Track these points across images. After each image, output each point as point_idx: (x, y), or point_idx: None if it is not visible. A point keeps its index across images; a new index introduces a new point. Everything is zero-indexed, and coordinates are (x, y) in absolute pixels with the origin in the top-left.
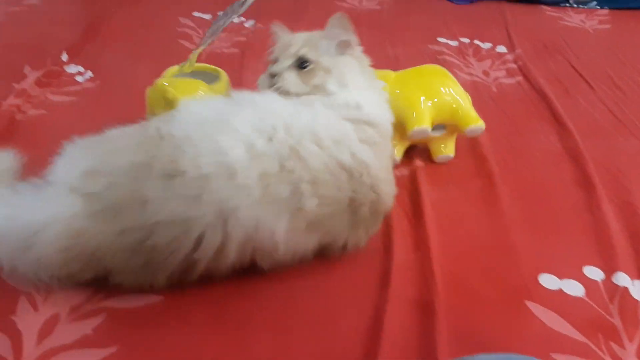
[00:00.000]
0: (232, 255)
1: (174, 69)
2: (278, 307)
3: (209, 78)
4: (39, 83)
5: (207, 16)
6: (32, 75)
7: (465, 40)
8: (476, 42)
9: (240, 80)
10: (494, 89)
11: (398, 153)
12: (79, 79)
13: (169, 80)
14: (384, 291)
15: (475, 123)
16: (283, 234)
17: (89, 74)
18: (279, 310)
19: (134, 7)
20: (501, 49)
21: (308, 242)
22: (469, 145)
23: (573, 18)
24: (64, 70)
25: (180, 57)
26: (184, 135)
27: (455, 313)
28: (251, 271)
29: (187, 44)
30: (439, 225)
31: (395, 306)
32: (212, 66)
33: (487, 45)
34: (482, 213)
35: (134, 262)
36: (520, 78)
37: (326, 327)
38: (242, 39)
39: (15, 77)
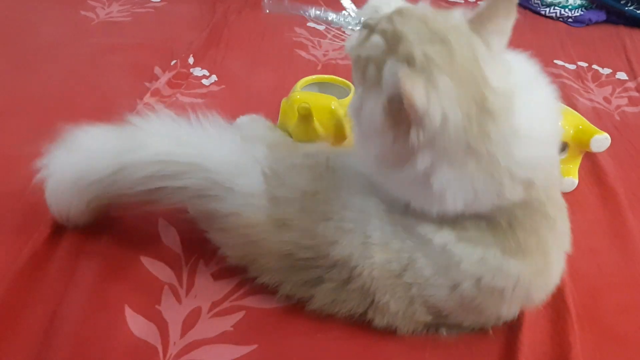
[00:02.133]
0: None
1: (305, 79)
2: None
3: (338, 91)
4: (170, 84)
5: (320, 27)
6: (163, 77)
7: (583, 64)
8: (595, 66)
9: None
10: (617, 117)
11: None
12: (205, 82)
13: (301, 93)
14: (517, 323)
15: (600, 133)
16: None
17: (214, 77)
18: None
19: (251, 15)
20: (622, 75)
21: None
22: (593, 173)
23: None
24: (191, 73)
25: (296, 66)
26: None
27: (592, 352)
28: None
29: (303, 53)
30: (569, 258)
31: (529, 339)
32: (341, 79)
33: (606, 71)
34: (614, 247)
35: (293, 276)
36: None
37: None
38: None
39: (147, 77)
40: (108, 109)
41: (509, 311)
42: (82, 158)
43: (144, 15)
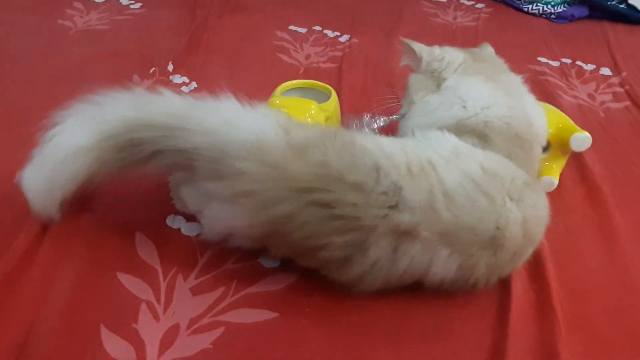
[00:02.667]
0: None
1: (286, 84)
2: (395, 322)
3: (319, 96)
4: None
5: (302, 30)
6: (142, 85)
7: (567, 60)
8: (579, 63)
9: (340, 95)
10: (602, 114)
11: (555, 175)
12: (184, 89)
13: (281, 98)
14: (503, 328)
15: (580, 132)
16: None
17: (194, 84)
18: (396, 324)
19: (232, 19)
20: (605, 71)
21: (449, 266)
22: (579, 172)
23: None
24: (171, 81)
25: (278, 70)
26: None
27: (581, 357)
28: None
29: (284, 57)
30: (556, 259)
31: (515, 346)
32: (321, 83)
33: (590, 67)
34: (601, 248)
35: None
36: (628, 103)
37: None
38: (338, 53)
39: (126, 86)
40: None
41: (508, 216)
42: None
43: (123, 23)
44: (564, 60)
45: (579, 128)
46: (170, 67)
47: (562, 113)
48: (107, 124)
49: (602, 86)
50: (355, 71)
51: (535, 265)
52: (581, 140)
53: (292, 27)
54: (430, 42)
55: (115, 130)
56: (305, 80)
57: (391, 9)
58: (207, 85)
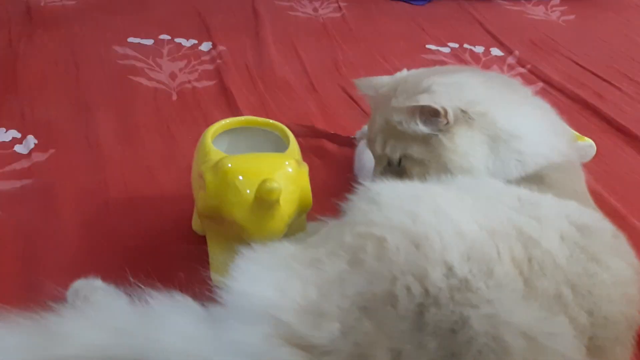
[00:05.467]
0: None
1: (215, 128)
2: None
3: (266, 139)
4: None
5: (147, 41)
6: None
7: (454, 45)
8: (466, 45)
9: None
10: None
11: None
12: (19, 149)
13: (233, 160)
14: None
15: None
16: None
17: (32, 140)
18: None
19: (48, 36)
20: (496, 51)
21: None
22: None
23: (535, 11)
24: None
25: (143, 100)
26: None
27: None
28: None
29: (143, 80)
30: None
31: None
32: (264, 119)
33: (479, 49)
34: None
35: None
36: (541, 84)
37: None
38: (209, 66)
39: None
40: None
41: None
42: None
43: None
44: (451, 44)
45: (581, 135)
46: None
47: None
48: None
49: (504, 68)
50: (245, 87)
51: None
52: (585, 149)
53: (132, 40)
54: (315, 41)
55: None
56: (240, 118)
57: (241, 6)
58: (53, 138)
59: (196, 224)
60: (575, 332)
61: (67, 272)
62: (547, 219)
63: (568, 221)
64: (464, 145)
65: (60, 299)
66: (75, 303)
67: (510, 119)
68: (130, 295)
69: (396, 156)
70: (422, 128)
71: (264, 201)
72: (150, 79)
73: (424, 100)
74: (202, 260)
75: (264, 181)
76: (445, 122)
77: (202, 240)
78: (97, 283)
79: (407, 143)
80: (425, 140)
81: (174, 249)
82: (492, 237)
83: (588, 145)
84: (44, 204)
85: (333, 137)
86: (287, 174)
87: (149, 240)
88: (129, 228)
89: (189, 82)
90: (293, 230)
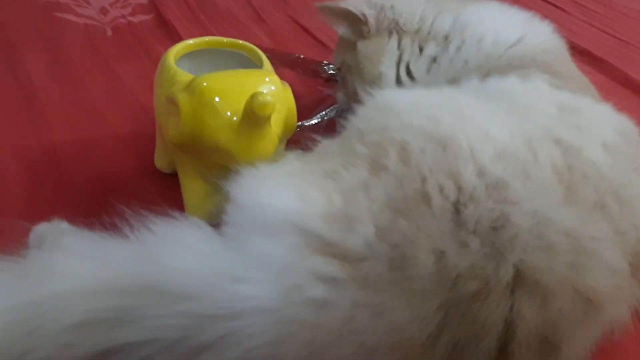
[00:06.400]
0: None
1: (178, 48)
2: None
3: (236, 63)
4: None
5: None
6: None
7: None
8: None
9: None
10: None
11: None
12: None
13: (208, 78)
14: None
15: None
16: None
17: None
18: None
19: None
20: None
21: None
22: None
23: None
24: None
25: (73, 39)
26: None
27: None
28: None
29: (71, 17)
30: None
31: None
32: (222, 39)
33: None
34: None
35: None
36: None
37: None
38: (143, 0)
39: None
40: None
41: None
42: None
43: None
44: None
45: None
46: None
47: None
48: None
49: None
50: (186, 19)
51: None
52: None
53: None
54: None
55: None
56: (205, 38)
57: None
58: None
59: (160, 161)
60: (620, 242)
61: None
62: (588, 127)
63: (610, 128)
64: (375, 52)
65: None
66: (44, 249)
67: (460, 18)
68: (110, 230)
69: (338, 63)
70: (345, 32)
71: (256, 117)
72: (78, 15)
73: (346, 4)
74: (173, 199)
75: (254, 95)
76: (367, 29)
77: (168, 178)
78: (64, 225)
79: (346, 49)
80: (355, 46)
81: (138, 188)
82: (527, 144)
83: None
84: None
85: (302, 63)
86: (271, 92)
87: (108, 182)
88: (83, 171)
89: (123, 16)
90: (273, 159)
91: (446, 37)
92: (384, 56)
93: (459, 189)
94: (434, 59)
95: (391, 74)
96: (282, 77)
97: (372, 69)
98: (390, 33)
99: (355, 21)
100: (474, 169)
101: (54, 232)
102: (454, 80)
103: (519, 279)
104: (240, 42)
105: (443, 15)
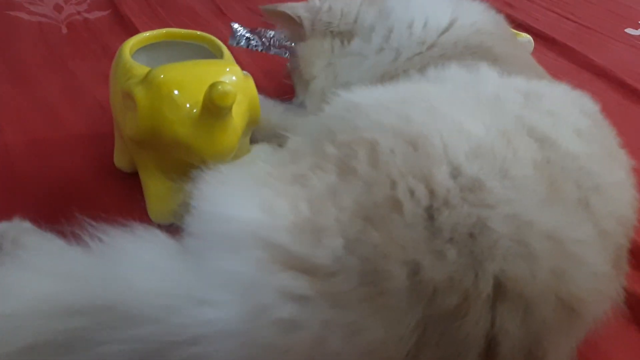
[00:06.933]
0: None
1: (133, 42)
2: None
3: (195, 55)
4: None
5: None
6: None
7: None
8: None
9: None
10: None
11: None
12: None
13: (165, 70)
14: None
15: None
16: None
17: None
18: None
19: None
20: None
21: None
22: None
23: None
24: None
25: (24, 37)
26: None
27: None
28: None
29: (23, 15)
30: None
31: None
32: (180, 30)
33: None
34: None
35: None
36: None
37: None
38: None
39: None
40: None
41: None
42: None
43: None
44: None
45: (518, 32)
46: None
47: None
48: None
49: None
50: (144, 14)
51: None
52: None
53: None
54: None
55: None
56: (161, 31)
57: None
58: None
59: (120, 160)
60: (604, 242)
61: None
62: (557, 112)
63: (577, 110)
64: (310, 54)
65: None
66: (3, 248)
67: (385, 5)
68: (70, 236)
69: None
70: (286, 34)
71: (216, 108)
72: (31, 13)
73: (284, 7)
74: (135, 200)
75: (214, 84)
76: (303, 32)
77: (129, 177)
78: (26, 225)
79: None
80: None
81: (98, 189)
82: (504, 138)
83: (527, 41)
84: None
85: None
86: (232, 82)
87: (66, 184)
88: (40, 172)
89: (79, 13)
90: (237, 152)
91: (372, 29)
92: (318, 58)
93: (431, 192)
94: (360, 54)
95: (322, 76)
96: (243, 68)
97: (307, 71)
98: (324, 35)
99: (293, 24)
100: (447, 170)
101: (16, 230)
102: (390, 76)
103: (500, 291)
104: (199, 33)
105: (367, 8)
